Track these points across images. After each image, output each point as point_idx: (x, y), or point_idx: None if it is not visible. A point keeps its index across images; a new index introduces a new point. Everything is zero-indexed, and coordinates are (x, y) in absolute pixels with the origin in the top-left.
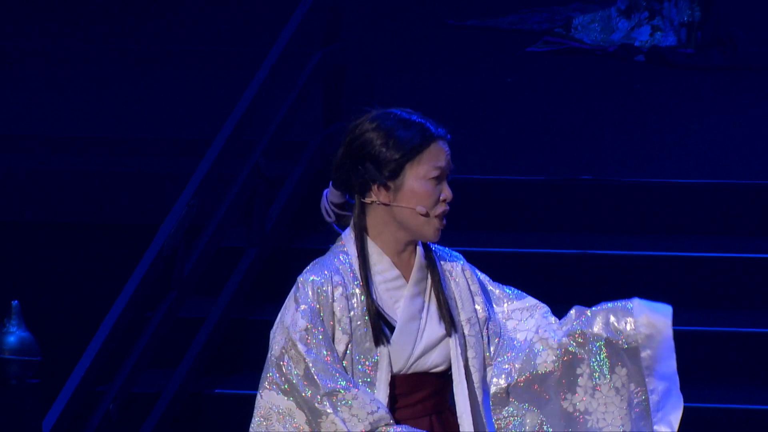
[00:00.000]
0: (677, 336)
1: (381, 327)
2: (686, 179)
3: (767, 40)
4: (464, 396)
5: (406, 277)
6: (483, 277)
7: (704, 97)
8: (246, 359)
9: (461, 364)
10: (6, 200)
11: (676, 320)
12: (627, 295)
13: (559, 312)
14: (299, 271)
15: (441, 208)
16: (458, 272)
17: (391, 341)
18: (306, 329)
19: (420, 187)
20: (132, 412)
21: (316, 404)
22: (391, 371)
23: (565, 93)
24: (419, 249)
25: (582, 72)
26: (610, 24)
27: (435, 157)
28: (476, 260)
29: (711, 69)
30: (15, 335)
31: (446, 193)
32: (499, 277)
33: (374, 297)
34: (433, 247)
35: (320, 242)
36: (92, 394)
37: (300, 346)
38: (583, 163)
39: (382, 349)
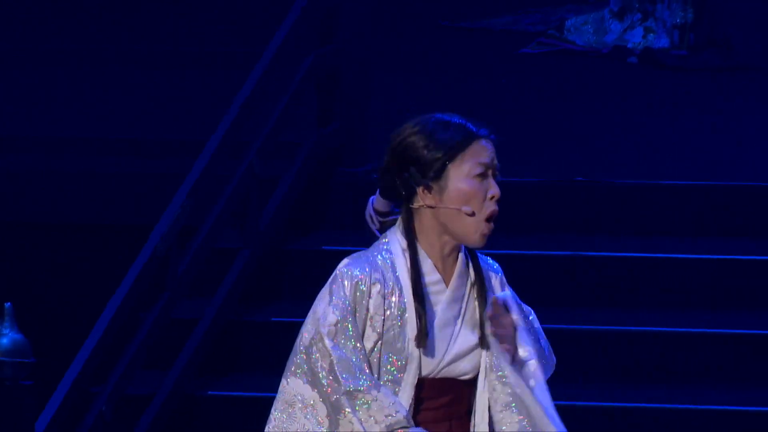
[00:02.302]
0: (673, 337)
1: (423, 331)
2: (680, 180)
3: (761, 41)
4: (484, 405)
5: (447, 283)
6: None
7: (698, 98)
8: (240, 360)
9: (488, 373)
10: None
11: (672, 322)
12: (624, 295)
13: (555, 315)
14: (293, 272)
15: (490, 207)
16: (496, 285)
17: (426, 346)
18: (335, 324)
19: (465, 185)
20: (125, 413)
21: (337, 401)
22: (420, 374)
23: (558, 95)
24: (461, 255)
25: (575, 74)
26: (603, 26)
27: (477, 154)
28: None
29: (704, 70)
30: (8, 337)
31: (494, 189)
32: None
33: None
34: (478, 255)
35: (314, 244)
36: (86, 395)
37: (327, 341)
38: (577, 165)
39: (414, 352)
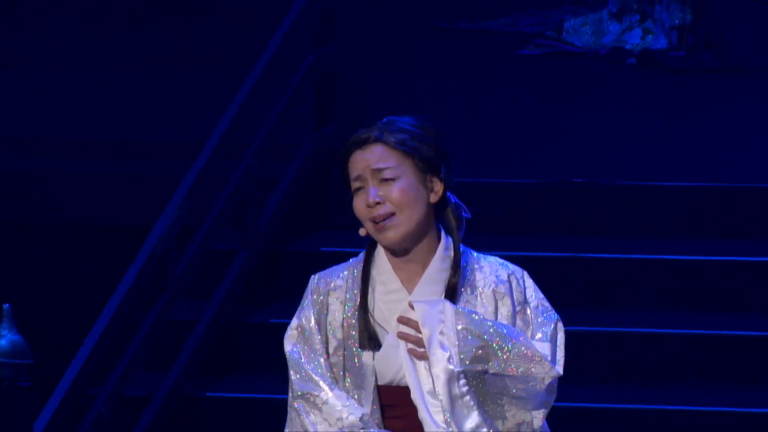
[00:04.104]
0: (672, 338)
1: (367, 337)
2: (678, 182)
3: (759, 42)
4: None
5: (410, 290)
6: (534, 302)
7: (696, 99)
8: (238, 362)
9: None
10: None
11: (670, 323)
12: (622, 296)
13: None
14: (291, 274)
15: (371, 213)
16: (489, 293)
17: (377, 354)
18: (297, 328)
19: (353, 201)
20: (124, 414)
21: (291, 404)
22: (378, 382)
23: (557, 96)
24: (439, 262)
25: (573, 75)
26: (601, 27)
27: (352, 169)
28: None
29: (703, 71)
30: (6, 338)
31: (369, 197)
32: None
33: (370, 306)
34: (481, 260)
35: (312, 245)
36: (84, 397)
37: (286, 345)
38: (576, 166)
39: (369, 360)
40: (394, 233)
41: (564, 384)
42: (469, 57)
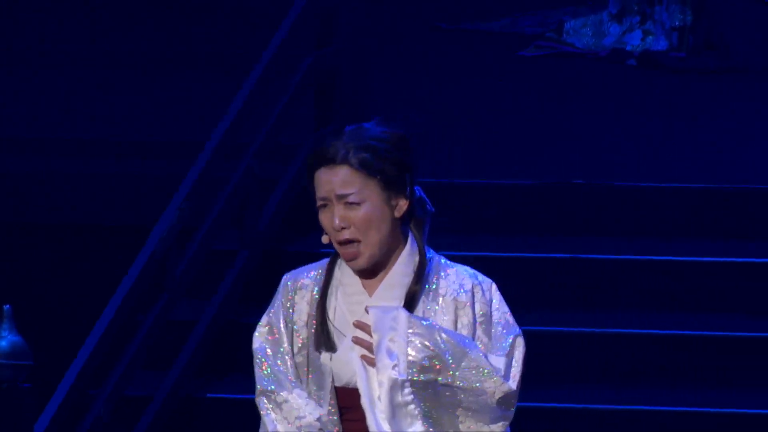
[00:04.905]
0: (673, 339)
1: (323, 338)
2: (679, 183)
3: (759, 43)
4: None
5: (372, 294)
6: (497, 315)
7: (696, 100)
8: (238, 362)
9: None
10: None
11: (670, 324)
12: (622, 297)
13: (554, 318)
14: None
15: (336, 236)
16: (449, 301)
17: (334, 355)
18: (266, 325)
19: (319, 213)
20: (124, 415)
21: (256, 400)
22: (335, 383)
23: (557, 97)
24: (402, 267)
25: (574, 76)
26: (601, 28)
27: (317, 187)
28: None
29: (703, 72)
30: (6, 339)
31: (335, 220)
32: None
33: (329, 307)
34: (448, 268)
35: (312, 245)
36: (84, 398)
37: (254, 342)
38: (576, 167)
39: (327, 361)
40: (360, 261)
41: (566, 385)
42: (469, 57)
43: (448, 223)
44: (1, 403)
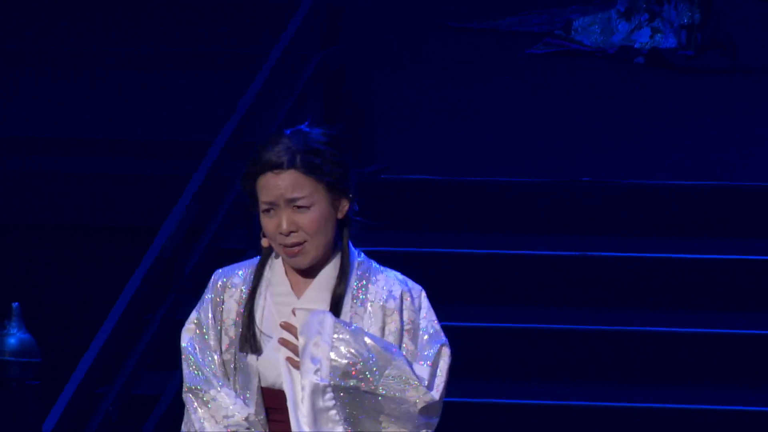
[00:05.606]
0: (678, 337)
1: (249, 339)
2: (687, 181)
3: (766, 43)
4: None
5: (300, 296)
6: (424, 323)
7: (704, 99)
8: None
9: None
10: (6, 202)
11: (676, 322)
12: (625, 297)
13: (559, 316)
14: None
15: (282, 240)
16: (377, 307)
17: (260, 356)
18: (194, 322)
19: (261, 217)
20: (132, 413)
21: (184, 397)
22: (261, 384)
23: (565, 95)
24: (332, 270)
25: (582, 74)
26: (610, 26)
27: (263, 190)
28: (477, 263)
29: (711, 71)
30: (15, 337)
31: (282, 224)
32: (499, 280)
33: (257, 307)
34: (378, 273)
35: None
36: (92, 396)
37: (183, 339)
38: (583, 165)
39: (253, 361)
40: (303, 259)
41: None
42: (477, 56)
43: (458, 222)
44: (10, 399)
